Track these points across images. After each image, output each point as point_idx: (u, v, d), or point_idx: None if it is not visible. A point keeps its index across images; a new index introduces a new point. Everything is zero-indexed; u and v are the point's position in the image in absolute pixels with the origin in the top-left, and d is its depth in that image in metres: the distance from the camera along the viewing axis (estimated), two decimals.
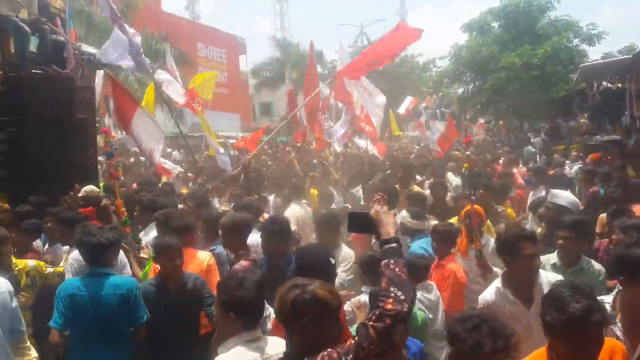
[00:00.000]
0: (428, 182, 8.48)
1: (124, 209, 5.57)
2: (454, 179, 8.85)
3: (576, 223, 4.18)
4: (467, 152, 5.42)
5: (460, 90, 25.60)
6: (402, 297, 2.03)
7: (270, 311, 3.20)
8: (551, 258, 4.17)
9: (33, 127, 6.97)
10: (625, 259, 2.93)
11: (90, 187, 6.37)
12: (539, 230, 5.23)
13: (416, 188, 7.18)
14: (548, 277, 3.40)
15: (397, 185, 7.15)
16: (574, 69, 18.76)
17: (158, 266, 4.17)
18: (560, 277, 3.41)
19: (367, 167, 10.09)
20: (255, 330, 2.71)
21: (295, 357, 2.13)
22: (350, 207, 6.96)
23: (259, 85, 36.60)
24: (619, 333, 2.89)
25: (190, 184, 8.67)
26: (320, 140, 11.41)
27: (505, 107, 22.45)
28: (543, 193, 7.08)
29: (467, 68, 22.97)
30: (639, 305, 2.86)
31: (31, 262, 4.52)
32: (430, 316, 4.01)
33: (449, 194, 7.24)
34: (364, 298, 3.74)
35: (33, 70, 7.26)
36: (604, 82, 16.50)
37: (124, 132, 7.68)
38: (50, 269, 4.56)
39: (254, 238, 4.64)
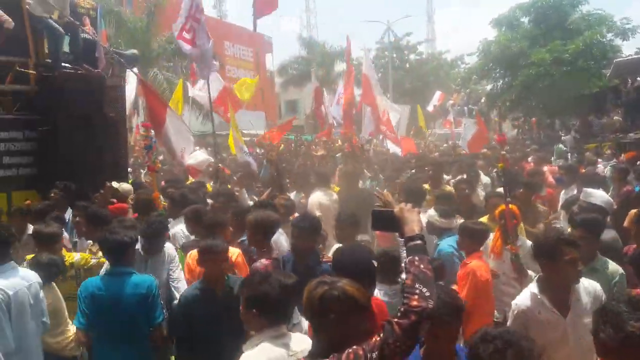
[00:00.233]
0: (454, 180, 8.39)
1: (161, 201, 5.71)
2: (483, 178, 8.71)
3: (589, 222, 4.10)
4: (502, 152, 5.23)
5: (489, 87, 25.23)
6: (428, 294, 2.03)
7: (301, 319, 3.20)
8: None
9: (64, 126, 7.12)
10: None
11: (126, 185, 6.58)
12: (569, 229, 5.11)
13: (448, 188, 7.04)
14: (585, 284, 3.28)
15: (427, 184, 7.05)
16: (607, 64, 18.29)
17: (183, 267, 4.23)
18: (597, 285, 3.33)
19: (389, 164, 10.10)
20: (280, 326, 2.71)
21: (322, 353, 2.11)
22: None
23: (285, 84, 36.77)
24: None
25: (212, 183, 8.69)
26: (347, 136, 11.39)
27: (535, 104, 22.02)
28: (575, 192, 6.93)
29: (496, 64, 22.62)
30: None
31: (77, 255, 4.68)
32: None
33: (480, 192, 7.14)
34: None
35: (65, 70, 7.42)
36: (638, 78, 16.03)
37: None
38: (94, 260, 4.64)
39: (276, 237, 4.65)
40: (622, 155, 11.28)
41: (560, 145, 15.54)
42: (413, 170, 9.15)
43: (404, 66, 36.42)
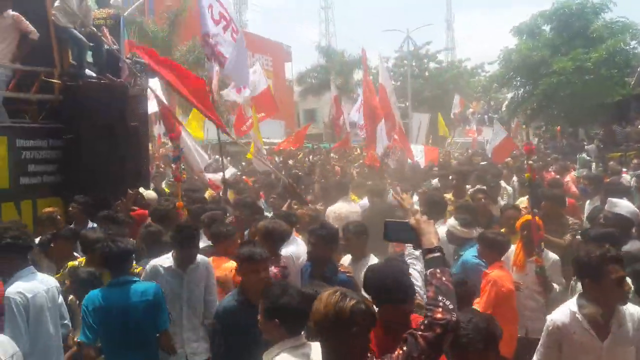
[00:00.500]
0: (472, 189, 8.29)
1: (185, 210, 5.76)
2: (507, 187, 8.59)
3: (603, 236, 3.96)
4: (530, 161, 5.10)
5: (509, 96, 25.02)
6: (451, 307, 2.04)
7: None
8: None
9: (87, 135, 7.22)
10: None
11: (151, 193, 6.67)
12: None
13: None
14: (630, 310, 3.05)
15: (450, 194, 6.94)
16: (631, 72, 18.03)
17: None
18: None
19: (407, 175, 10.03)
20: (300, 336, 2.71)
21: None
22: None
23: (303, 92, 36.93)
24: None
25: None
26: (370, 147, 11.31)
27: (557, 113, 21.77)
28: (599, 202, 6.80)
29: (517, 73, 22.45)
30: None
31: None
32: None
33: (501, 202, 7.04)
34: None
35: (89, 80, 7.54)
36: None
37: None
38: None
39: (291, 249, 4.68)
40: None
41: (584, 155, 15.29)
42: (436, 180, 9.06)
43: (423, 74, 36.32)
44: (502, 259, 4.47)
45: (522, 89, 23.12)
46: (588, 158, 14.95)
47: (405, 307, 2.70)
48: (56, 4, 7.25)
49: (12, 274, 3.72)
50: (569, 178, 9.79)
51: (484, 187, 7.26)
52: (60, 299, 3.99)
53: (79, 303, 4.09)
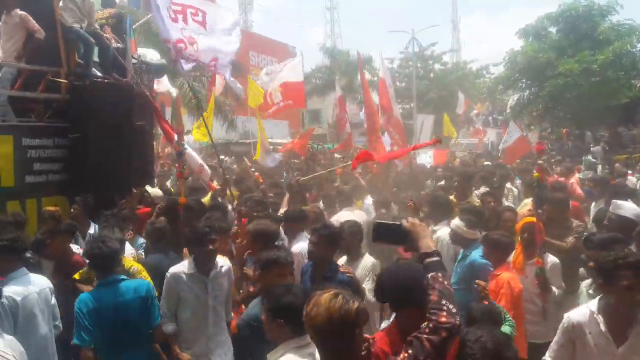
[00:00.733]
0: (477, 191, 8.25)
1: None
2: (513, 189, 8.56)
3: (609, 241, 3.90)
4: (540, 161, 5.04)
5: (515, 97, 24.95)
6: (454, 310, 2.05)
7: None
8: (589, 282, 3.93)
9: (93, 134, 7.24)
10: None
11: (157, 191, 6.71)
12: None
13: (476, 200, 6.80)
14: None
15: (453, 196, 6.90)
16: (638, 74, 17.97)
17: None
18: None
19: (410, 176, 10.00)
20: (304, 335, 2.69)
21: None
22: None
23: (308, 93, 36.86)
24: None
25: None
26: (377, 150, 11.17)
27: (563, 115, 21.69)
28: (604, 205, 6.77)
29: (523, 74, 22.36)
30: None
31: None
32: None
33: (507, 204, 7.02)
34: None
35: (96, 79, 7.57)
36: None
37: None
38: (135, 268, 4.64)
39: (301, 245, 4.72)
40: None
41: (589, 157, 15.24)
42: (441, 182, 9.03)
43: (429, 76, 36.26)
44: (507, 260, 4.46)
45: (527, 91, 23.05)
46: (594, 160, 14.90)
47: (425, 310, 2.64)
48: (61, 3, 7.29)
49: (6, 275, 3.74)
50: (573, 180, 9.74)
51: (491, 190, 7.21)
52: (53, 300, 3.98)
53: None
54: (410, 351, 1.99)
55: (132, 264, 4.63)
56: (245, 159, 11.66)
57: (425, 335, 2.00)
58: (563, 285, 4.67)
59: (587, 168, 12.99)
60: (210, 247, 4.14)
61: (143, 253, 5.54)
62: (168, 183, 10.26)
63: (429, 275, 2.16)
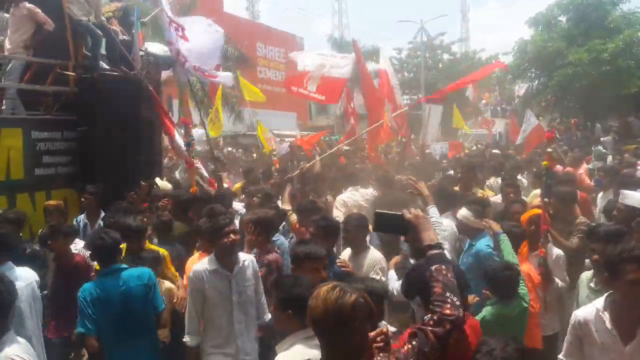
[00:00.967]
0: (489, 181, 8.19)
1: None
2: (523, 181, 8.48)
3: (612, 234, 3.83)
4: (549, 149, 4.91)
5: (524, 87, 24.74)
6: (458, 303, 2.08)
7: None
8: (589, 275, 3.81)
9: (101, 126, 7.29)
10: None
11: (166, 184, 6.75)
12: None
13: (481, 192, 6.72)
14: None
15: (458, 187, 6.88)
16: None
17: None
18: None
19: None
20: None
21: None
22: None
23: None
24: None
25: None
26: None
27: (572, 105, 21.50)
28: (612, 196, 6.71)
29: (532, 64, 22.15)
30: None
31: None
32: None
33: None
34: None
35: (104, 72, 7.60)
36: None
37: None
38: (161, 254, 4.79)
39: None
40: None
41: (599, 147, 15.11)
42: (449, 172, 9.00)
43: (437, 66, 36.04)
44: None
45: (536, 81, 22.85)
46: (604, 150, 14.77)
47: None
48: None
49: None
50: (582, 170, 9.66)
51: (511, 182, 7.04)
52: (38, 293, 4.03)
53: None
54: (414, 342, 2.01)
55: (158, 249, 4.78)
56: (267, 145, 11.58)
57: (429, 327, 2.02)
58: (567, 279, 4.66)
59: (597, 158, 12.88)
60: (232, 238, 3.92)
61: None
62: (177, 173, 10.30)
63: (433, 267, 2.18)
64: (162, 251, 4.85)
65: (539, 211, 4.69)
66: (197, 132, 11.68)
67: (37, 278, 4.01)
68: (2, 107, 6.90)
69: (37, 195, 6.77)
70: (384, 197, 6.50)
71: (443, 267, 2.16)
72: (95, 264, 4.32)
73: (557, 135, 20.75)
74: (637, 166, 10.37)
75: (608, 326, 2.84)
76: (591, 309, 2.98)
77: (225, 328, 3.92)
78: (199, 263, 4.10)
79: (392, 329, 3.11)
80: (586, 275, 3.78)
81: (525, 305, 3.58)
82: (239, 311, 3.95)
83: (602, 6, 20.94)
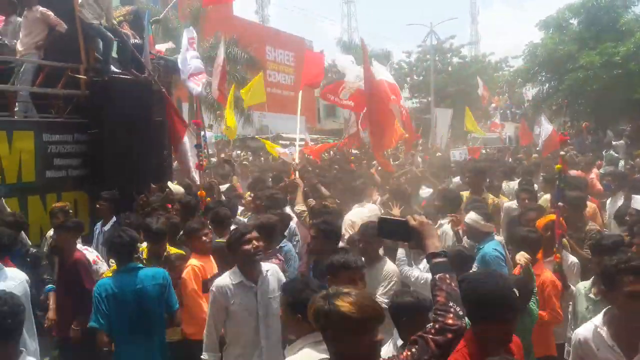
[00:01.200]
0: (506, 183, 8.14)
1: (206, 199, 5.82)
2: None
3: (616, 244, 3.74)
4: (562, 152, 4.78)
5: (534, 91, 24.61)
6: (461, 313, 2.07)
7: None
8: (587, 285, 3.69)
9: (112, 129, 7.33)
10: None
11: (178, 188, 6.76)
12: None
13: (493, 199, 6.53)
14: None
15: (469, 192, 6.81)
16: None
17: None
18: None
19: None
20: None
21: None
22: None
23: (324, 87, 36.86)
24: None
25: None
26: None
27: (583, 109, 21.35)
28: (620, 201, 6.65)
29: (543, 67, 22.03)
30: None
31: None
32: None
33: None
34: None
35: (114, 75, 7.65)
36: None
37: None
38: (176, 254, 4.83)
39: None
40: None
41: (611, 152, 14.97)
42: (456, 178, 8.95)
43: (447, 69, 35.95)
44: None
45: (547, 84, 22.72)
46: (616, 155, 14.63)
47: (510, 326, 2.42)
48: (80, 0, 7.36)
49: None
50: (593, 175, 9.58)
51: (527, 187, 6.88)
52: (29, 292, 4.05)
53: None
54: (414, 350, 2.00)
55: (175, 250, 4.81)
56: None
57: (430, 336, 2.01)
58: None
59: (608, 163, 12.78)
60: (255, 245, 3.66)
61: None
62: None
63: (436, 276, 2.16)
64: (182, 252, 4.88)
65: (553, 217, 4.64)
66: (207, 134, 11.74)
67: (27, 278, 4.03)
68: (15, 110, 6.96)
69: (48, 197, 6.82)
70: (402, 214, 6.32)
71: (447, 275, 2.14)
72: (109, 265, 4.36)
73: (568, 140, 20.62)
74: None
75: (609, 342, 2.73)
76: (590, 326, 2.86)
77: (251, 345, 3.65)
78: (221, 278, 3.77)
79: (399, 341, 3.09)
80: (584, 285, 3.65)
81: (533, 320, 3.52)
82: (264, 326, 3.66)
83: (613, 9, 20.79)
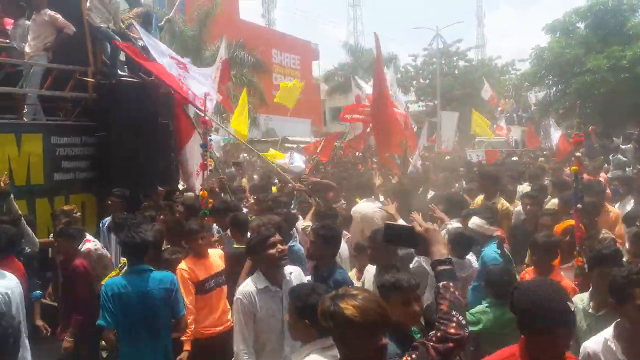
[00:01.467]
0: (521, 187, 8.08)
1: (209, 199, 5.82)
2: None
3: (617, 253, 3.54)
4: (577, 154, 4.56)
5: (541, 94, 24.52)
6: (464, 322, 2.05)
7: None
8: (584, 298, 3.45)
9: (119, 132, 7.36)
10: None
11: (189, 193, 6.76)
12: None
13: (504, 204, 6.38)
14: None
15: (481, 197, 6.75)
16: None
17: None
18: None
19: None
20: (329, 337, 2.69)
21: None
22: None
23: (330, 91, 36.92)
24: None
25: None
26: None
27: (591, 112, 21.25)
28: (630, 205, 6.59)
29: (549, 71, 21.97)
30: None
31: None
32: None
33: None
34: None
35: (122, 78, 7.68)
36: None
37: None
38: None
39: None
40: None
41: (619, 156, 14.88)
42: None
43: (453, 72, 35.91)
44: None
45: (554, 88, 22.66)
46: (624, 159, 14.54)
47: (564, 341, 2.24)
48: (88, 4, 7.41)
49: None
50: (601, 179, 9.52)
51: (532, 192, 6.80)
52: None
53: None
54: (414, 356, 2.00)
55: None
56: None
57: (431, 343, 2.00)
58: None
59: (615, 167, 12.70)
60: (280, 249, 3.53)
61: None
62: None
63: (441, 284, 2.15)
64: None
65: (573, 222, 4.55)
66: (214, 137, 11.74)
67: (19, 281, 4.03)
68: (24, 112, 7.00)
69: (56, 199, 6.85)
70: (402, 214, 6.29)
71: (451, 284, 2.13)
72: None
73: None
74: None
75: (620, 357, 2.64)
76: (599, 339, 2.75)
77: (278, 352, 3.50)
78: (245, 284, 3.57)
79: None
80: (580, 298, 3.45)
81: None
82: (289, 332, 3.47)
83: (620, 13, 20.74)
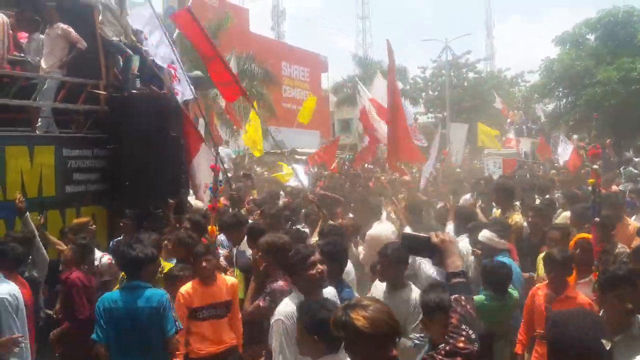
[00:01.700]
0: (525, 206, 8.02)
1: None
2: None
3: (634, 274, 3.38)
4: (595, 166, 4.55)
5: (551, 106, 24.41)
6: (474, 337, 2.04)
7: None
8: None
9: (131, 145, 7.41)
10: None
11: (199, 203, 6.76)
12: None
13: (514, 218, 6.26)
14: None
15: (499, 212, 6.66)
16: None
17: None
18: None
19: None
20: (337, 353, 2.67)
21: None
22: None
23: (339, 102, 37.01)
24: None
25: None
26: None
27: (601, 124, 21.10)
28: None
29: (559, 83, 21.89)
30: None
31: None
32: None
33: None
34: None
35: (134, 91, 7.75)
36: None
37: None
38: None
39: None
40: None
41: (630, 168, 14.75)
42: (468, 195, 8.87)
43: (462, 84, 35.90)
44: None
45: (564, 100, 22.57)
46: (636, 171, 14.40)
47: None
48: (101, 17, 7.51)
49: None
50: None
51: (536, 205, 6.71)
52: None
53: None
54: None
55: (168, 265, 4.89)
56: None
57: (440, 357, 2.00)
58: None
59: (627, 180, 12.58)
60: (320, 269, 3.43)
61: None
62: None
63: (453, 297, 2.15)
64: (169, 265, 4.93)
65: (587, 235, 4.48)
66: (224, 150, 11.79)
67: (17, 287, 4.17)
68: (37, 125, 7.08)
69: (68, 212, 6.89)
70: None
71: (463, 297, 2.12)
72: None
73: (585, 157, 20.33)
74: None
75: None
76: None
77: None
78: (285, 305, 3.40)
79: None
80: None
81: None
82: (298, 347, 3.31)
83: (631, 24, 20.65)
